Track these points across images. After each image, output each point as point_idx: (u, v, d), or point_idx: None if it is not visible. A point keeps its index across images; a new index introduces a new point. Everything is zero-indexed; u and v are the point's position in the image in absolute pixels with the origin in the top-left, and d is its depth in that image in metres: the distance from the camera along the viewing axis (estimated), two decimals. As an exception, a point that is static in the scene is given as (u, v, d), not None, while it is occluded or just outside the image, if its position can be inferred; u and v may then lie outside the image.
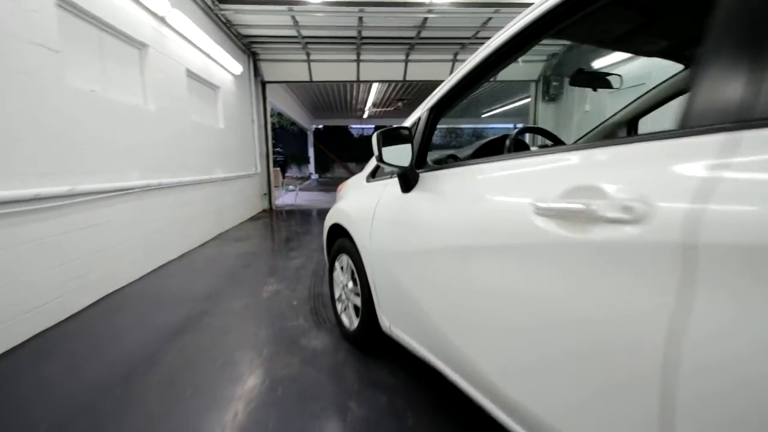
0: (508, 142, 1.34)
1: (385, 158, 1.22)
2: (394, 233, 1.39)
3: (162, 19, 3.70)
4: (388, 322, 1.52)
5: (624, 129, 1.98)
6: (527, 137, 1.83)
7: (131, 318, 2.32)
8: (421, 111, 1.39)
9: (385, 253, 1.46)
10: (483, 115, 15.66)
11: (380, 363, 1.74)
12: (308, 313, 2.33)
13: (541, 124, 8.12)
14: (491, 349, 0.97)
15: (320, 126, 19.27)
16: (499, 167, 0.99)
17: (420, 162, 1.34)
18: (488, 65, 1.13)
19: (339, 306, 2.02)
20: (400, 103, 13.05)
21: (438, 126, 1.46)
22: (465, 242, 1.01)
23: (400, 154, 1.27)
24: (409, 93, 11.70)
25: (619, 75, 1.59)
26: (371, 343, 1.79)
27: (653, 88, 1.76)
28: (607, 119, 1.96)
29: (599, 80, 1.57)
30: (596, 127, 1.99)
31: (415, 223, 1.26)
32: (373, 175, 1.73)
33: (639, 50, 1.53)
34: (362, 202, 1.68)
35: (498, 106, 13.22)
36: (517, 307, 0.85)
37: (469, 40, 6.39)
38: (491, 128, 19.54)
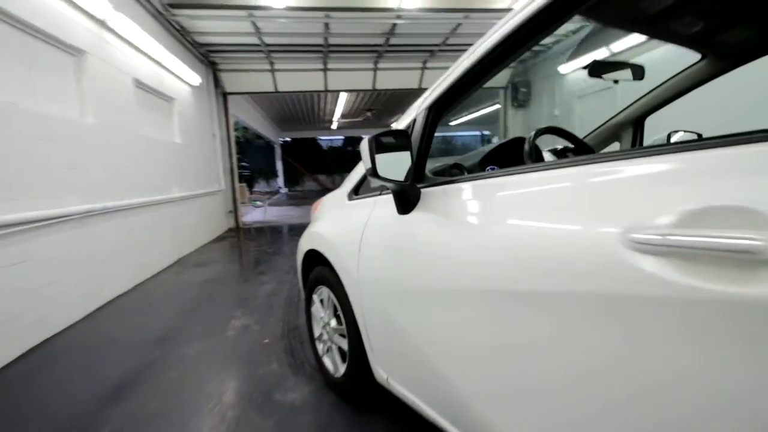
0: (527, 146, 1.08)
1: (381, 171, 0.93)
2: (391, 266, 1.10)
3: (102, 23, 3.29)
4: (385, 374, 1.22)
5: (630, 127, 1.81)
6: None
7: (60, 378, 1.88)
8: (416, 111, 1.12)
9: (379, 289, 1.17)
10: (450, 123, 15.74)
11: (375, 419, 1.43)
12: (283, 354, 1.98)
13: (511, 131, 8.11)
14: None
15: (288, 139, 18.76)
16: (542, 180, 0.73)
17: (419, 174, 1.07)
18: (506, 48, 0.87)
19: (320, 347, 1.69)
20: (369, 113, 12.87)
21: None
22: (502, 285, 0.74)
23: (393, 165, 1.00)
24: (378, 103, 11.54)
25: (640, 65, 1.39)
26: (362, 395, 1.48)
27: (664, 82, 1.58)
28: (613, 117, 1.78)
29: (620, 70, 1.36)
30: (600, 126, 1.81)
31: (421, 254, 0.98)
32: (357, 191, 1.44)
33: (660, 34, 1.33)
34: (345, 225, 1.38)
35: (466, 113, 13.29)
36: (601, 382, 0.58)
37: (438, 47, 6.27)
38: (459, 135, 19.73)
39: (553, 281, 0.63)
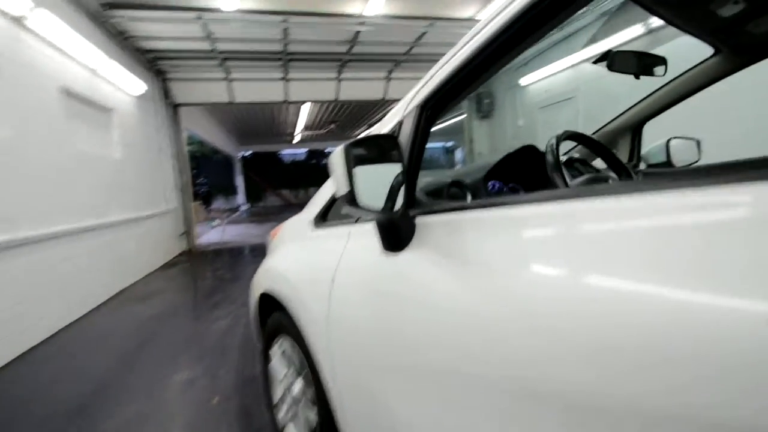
0: (551, 158, 0.80)
1: (362, 198, 0.63)
2: (376, 319, 0.79)
3: (18, 21, 2.80)
4: (369, 467, 0.90)
5: (629, 134, 1.63)
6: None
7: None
8: (402, 112, 0.83)
9: (359, 349, 0.86)
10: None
11: None
12: (236, 420, 1.60)
13: (476, 141, 8.06)
14: None
15: (248, 153, 18.03)
16: (613, 213, 0.45)
17: (410, 197, 0.78)
18: (532, 18, 0.61)
19: (280, 416, 1.34)
20: (333, 126, 12.58)
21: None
22: (578, 387, 0.45)
23: (373, 184, 0.70)
24: (342, 114, 11.28)
25: (662, 57, 1.18)
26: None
27: (667, 83, 1.40)
28: (611, 121, 1.59)
29: (642, 64, 1.14)
30: (596, 132, 1.61)
31: (420, 306, 0.68)
32: (324, 216, 1.13)
33: (681, 21, 1.13)
34: (310, 262, 1.06)
35: (430, 125, 13.29)
36: None
37: (403, 57, 6.11)
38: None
39: (646, 387, 0.35)
